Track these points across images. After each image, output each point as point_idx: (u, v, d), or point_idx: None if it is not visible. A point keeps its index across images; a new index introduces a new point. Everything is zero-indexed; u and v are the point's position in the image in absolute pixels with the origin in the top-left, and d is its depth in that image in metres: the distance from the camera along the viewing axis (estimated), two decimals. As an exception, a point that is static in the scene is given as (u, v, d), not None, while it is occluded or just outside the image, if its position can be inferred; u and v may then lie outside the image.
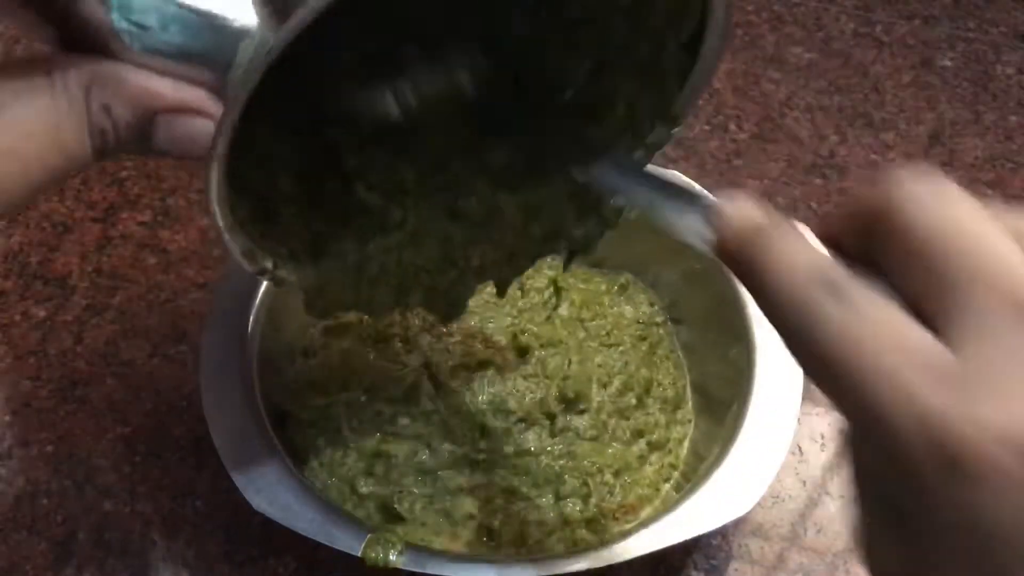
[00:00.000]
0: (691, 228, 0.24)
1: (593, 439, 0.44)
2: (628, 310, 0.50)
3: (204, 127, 0.24)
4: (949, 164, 0.64)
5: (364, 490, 0.42)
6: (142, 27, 0.23)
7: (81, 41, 0.24)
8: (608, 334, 0.48)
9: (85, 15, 0.23)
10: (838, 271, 0.20)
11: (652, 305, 0.51)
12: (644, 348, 0.48)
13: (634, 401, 0.46)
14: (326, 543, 0.37)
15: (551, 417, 0.44)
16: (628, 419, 0.45)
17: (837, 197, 0.61)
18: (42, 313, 0.53)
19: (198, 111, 0.24)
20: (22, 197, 0.24)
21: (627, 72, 0.33)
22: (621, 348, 0.47)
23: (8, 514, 0.45)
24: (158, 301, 0.54)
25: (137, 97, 0.24)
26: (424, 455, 0.43)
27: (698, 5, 0.30)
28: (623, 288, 0.51)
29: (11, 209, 0.24)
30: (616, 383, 0.46)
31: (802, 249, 0.21)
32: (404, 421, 0.44)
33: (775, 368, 0.43)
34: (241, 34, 0.24)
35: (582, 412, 0.45)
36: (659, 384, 0.47)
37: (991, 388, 0.18)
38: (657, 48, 0.32)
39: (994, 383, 0.18)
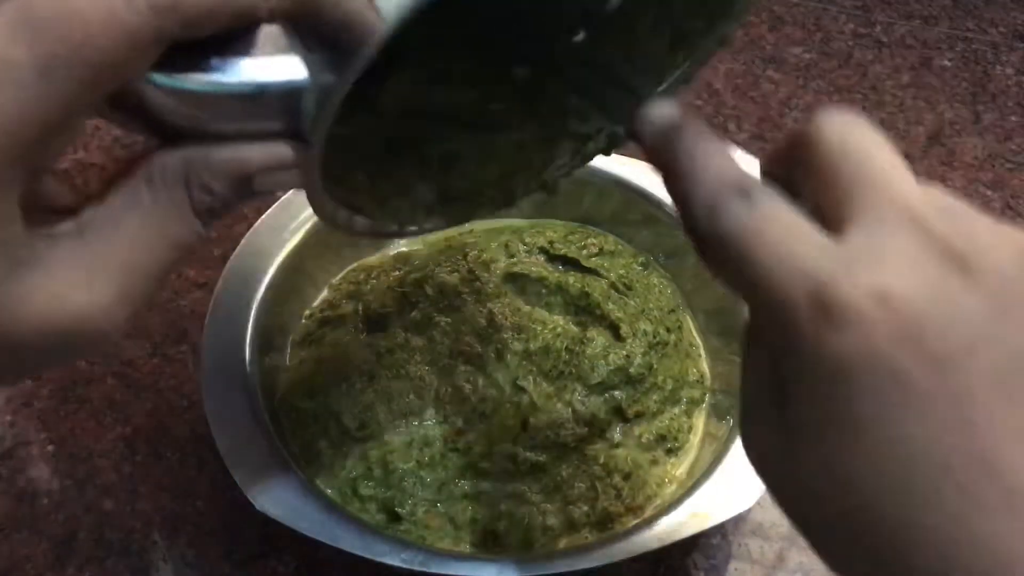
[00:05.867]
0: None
1: (616, 445, 0.44)
2: (655, 285, 0.50)
3: (292, 176, 0.27)
4: (948, 164, 0.64)
5: (366, 492, 0.42)
6: (202, 115, 0.25)
7: (166, 129, 0.25)
8: (643, 312, 0.47)
9: (156, 110, 0.24)
10: (747, 176, 0.23)
11: (670, 290, 0.50)
12: (673, 338, 0.47)
13: (664, 400, 0.45)
14: (329, 543, 0.37)
15: (601, 430, 0.44)
16: (654, 421, 0.45)
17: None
18: (42, 313, 0.53)
19: (284, 164, 0.26)
20: (148, 297, 0.26)
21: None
22: (657, 339, 0.47)
23: (8, 514, 0.45)
24: (158, 301, 0.54)
25: (231, 170, 0.25)
26: (427, 456, 0.43)
27: None
28: (645, 265, 0.51)
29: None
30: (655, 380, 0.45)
31: (715, 152, 0.24)
32: (404, 418, 0.44)
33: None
34: (300, 90, 0.25)
35: (627, 420, 0.45)
36: (688, 383, 0.47)
37: (869, 260, 0.21)
38: None
39: (872, 257, 0.21)
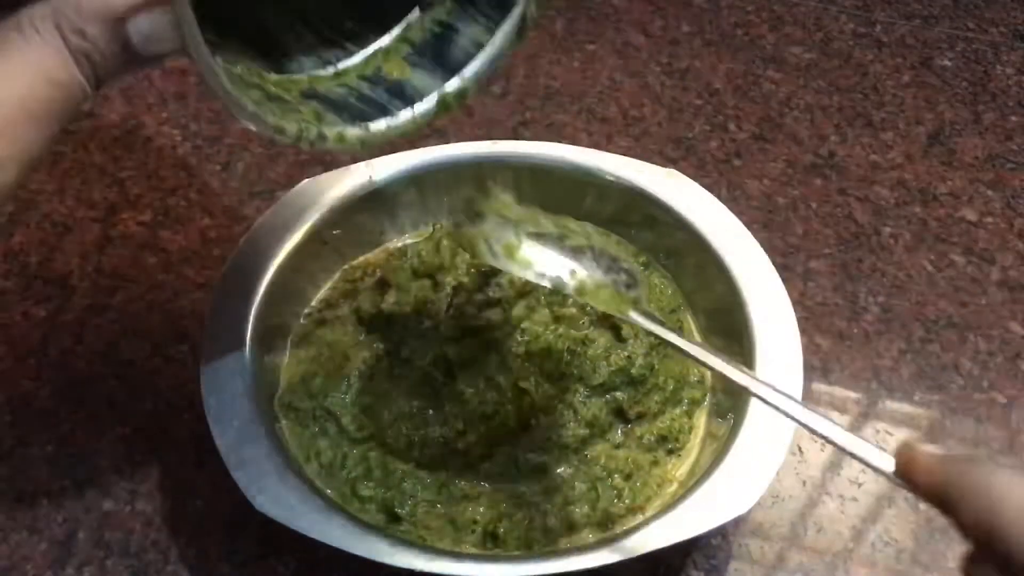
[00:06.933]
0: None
1: (617, 446, 0.44)
2: (656, 285, 0.49)
3: (165, 17, 0.26)
4: (948, 164, 0.64)
5: (366, 492, 0.42)
6: None
7: None
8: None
9: None
10: None
11: (670, 290, 0.50)
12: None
13: (665, 401, 0.45)
14: (329, 543, 0.37)
15: (602, 431, 0.44)
16: (655, 422, 0.45)
17: (837, 197, 0.61)
18: (42, 313, 0.53)
19: (156, 2, 0.26)
20: (41, 146, 0.26)
21: None
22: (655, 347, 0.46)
23: (8, 514, 0.45)
24: (158, 301, 0.54)
25: (99, 11, 0.26)
26: (427, 457, 0.43)
27: None
28: (646, 265, 0.50)
29: (34, 163, 0.26)
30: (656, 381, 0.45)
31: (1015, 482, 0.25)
32: (403, 419, 0.44)
33: (775, 368, 0.43)
34: None
35: (628, 421, 0.45)
36: (688, 384, 0.47)
37: None
38: None
39: None
